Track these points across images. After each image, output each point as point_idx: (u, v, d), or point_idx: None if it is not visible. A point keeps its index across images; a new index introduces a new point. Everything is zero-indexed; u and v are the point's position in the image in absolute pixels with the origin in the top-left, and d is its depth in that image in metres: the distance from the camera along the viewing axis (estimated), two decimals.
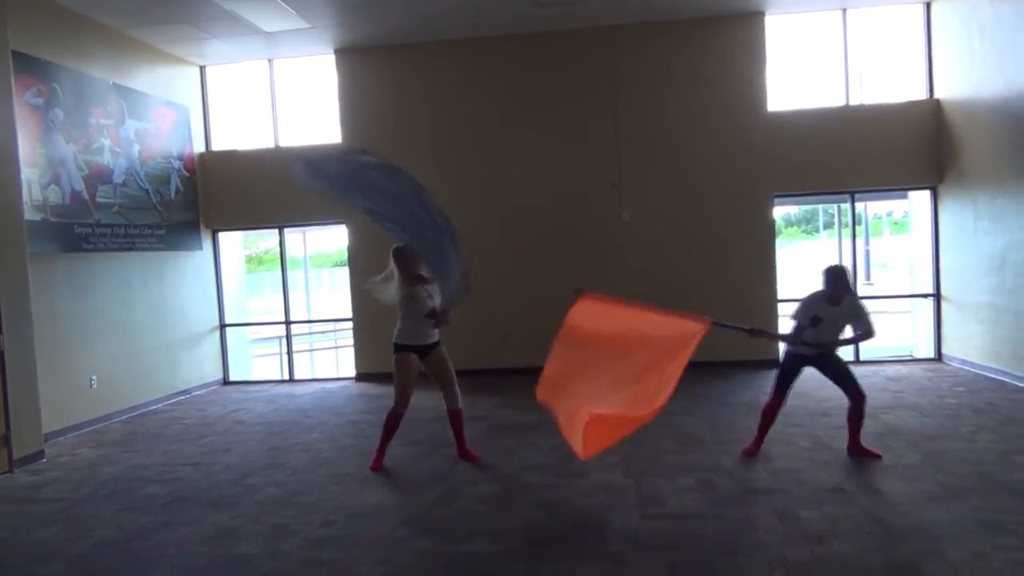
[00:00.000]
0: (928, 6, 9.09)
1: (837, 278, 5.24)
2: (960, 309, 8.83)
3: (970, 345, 8.60)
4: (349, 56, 9.84)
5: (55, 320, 7.44)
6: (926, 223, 9.42)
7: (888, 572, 3.58)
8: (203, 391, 9.75)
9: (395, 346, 5.77)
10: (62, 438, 7.34)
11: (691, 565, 3.78)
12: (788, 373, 5.55)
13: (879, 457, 5.32)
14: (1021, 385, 7.49)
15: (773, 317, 9.38)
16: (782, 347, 5.44)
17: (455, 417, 5.92)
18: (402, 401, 5.75)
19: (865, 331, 5.26)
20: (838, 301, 5.21)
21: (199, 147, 10.12)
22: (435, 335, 5.86)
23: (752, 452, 5.59)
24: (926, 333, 9.53)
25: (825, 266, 5.41)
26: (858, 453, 5.39)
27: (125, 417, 8.26)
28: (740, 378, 8.71)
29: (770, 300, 9.40)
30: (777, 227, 9.61)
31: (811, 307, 5.29)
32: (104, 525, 4.79)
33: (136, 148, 8.75)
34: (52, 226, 7.44)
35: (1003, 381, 7.77)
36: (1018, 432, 5.88)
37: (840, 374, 5.39)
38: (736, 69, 9.31)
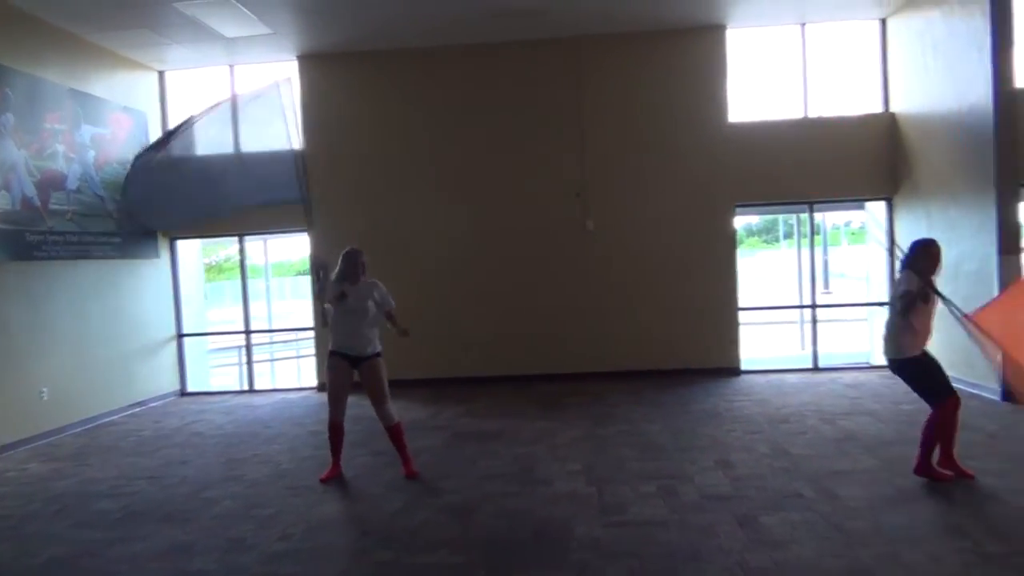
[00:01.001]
0: (884, 22, 9.32)
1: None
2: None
3: None
4: (312, 62, 9.76)
5: (4, 330, 7.21)
6: (882, 233, 9.62)
7: None
8: (160, 403, 9.53)
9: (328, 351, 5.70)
10: (11, 452, 7.10)
11: (653, 572, 3.78)
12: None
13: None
14: (973, 391, 7.66)
15: (734, 326, 9.49)
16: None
17: (393, 433, 5.77)
18: (333, 409, 5.67)
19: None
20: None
21: None
22: (369, 346, 5.62)
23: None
24: (882, 341, 9.69)
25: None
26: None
27: (78, 430, 8.03)
28: (701, 386, 8.78)
29: (731, 308, 9.51)
30: (738, 237, 9.73)
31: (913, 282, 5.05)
32: (54, 542, 4.63)
33: (91, 154, 8.56)
34: (1, 233, 7.22)
35: (956, 388, 7.91)
36: (971, 438, 6.01)
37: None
38: (698, 81, 9.44)
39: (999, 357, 4.96)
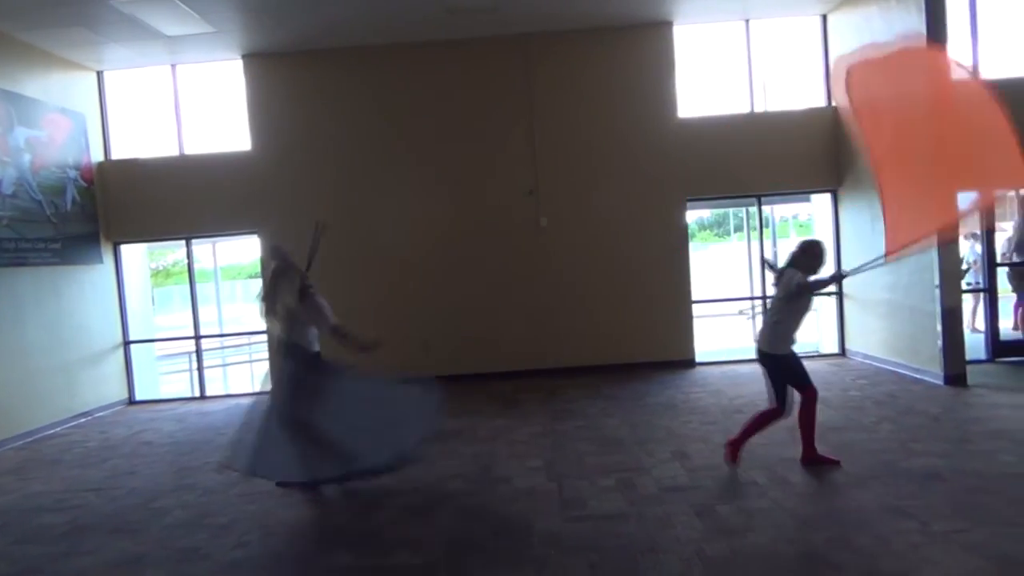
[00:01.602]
0: (825, 18, 9.54)
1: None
2: (861, 306, 9.28)
3: (871, 340, 9.05)
4: (257, 62, 9.56)
5: None
6: (828, 225, 9.86)
7: (799, 561, 3.70)
8: (106, 412, 9.24)
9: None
10: None
11: (612, 564, 3.80)
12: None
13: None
14: (918, 376, 7.91)
15: (688, 317, 9.62)
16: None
17: None
18: None
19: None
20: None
21: (98, 156, 9.63)
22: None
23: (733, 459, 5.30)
24: (831, 329, 9.96)
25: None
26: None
27: (19, 443, 7.73)
28: (657, 378, 8.88)
29: (685, 301, 9.64)
30: (690, 231, 9.87)
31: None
32: None
33: (27, 157, 8.25)
34: None
35: (902, 373, 8.19)
36: (916, 422, 6.21)
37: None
38: (647, 77, 9.53)
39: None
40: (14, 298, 7.94)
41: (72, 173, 9.02)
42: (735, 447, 5.30)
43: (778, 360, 5.11)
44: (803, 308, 5.10)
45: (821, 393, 7.44)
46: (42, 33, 8.21)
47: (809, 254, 5.12)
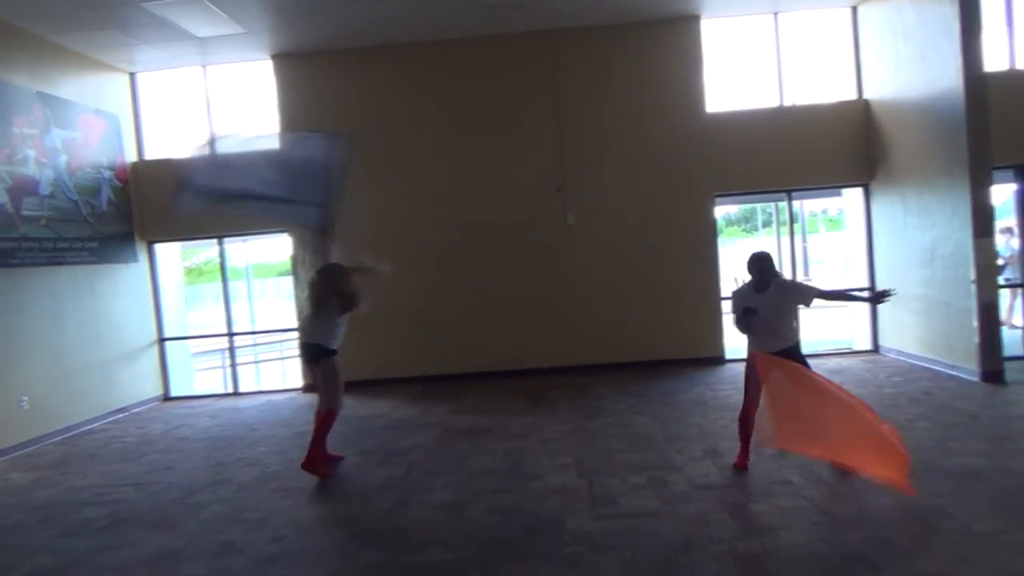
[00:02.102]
0: (855, 9, 9.40)
1: (756, 265, 5.04)
2: (894, 302, 9.02)
3: (905, 336, 8.91)
4: (286, 62, 9.65)
5: None
6: (859, 220, 9.73)
7: (835, 560, 3.66)
8: (143, 408, 9.41)
9: (332, 351, 5.85)
10: None
11: (645, 562, 3.80)
12: (755, 375, 5.14)
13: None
14: (953, 373, 7.78)
15: (717, 315, 9.56)
16: (745, 349, 5.24)
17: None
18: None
19: (829, 293, 5.23)
20: (765, 287, 5.00)
21: (131, 156, 9.80)
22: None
23: (743, 466, 5.19)
24: (864, 326, 9.83)
25: (749, 256, 5.16)
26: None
27: (59, 438, 7.91)
28: (686, 375, 8.84)
29: (714, 298, 9.58)
30: (718, 227, 9.79)
31: (743, 299, 5.05)
32: (38, 552, 4.57)
33: (63, 158, 8.41)
34: None
35: (937, 370, 8.06)
36: (952, 419, 6.11)
37: None
38: (674, 72, 9.46)
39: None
40: (53, 297, 8.12)
41: (107, 173, 9.19)
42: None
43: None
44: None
45: (855, 390, 7.39)
46: (76, 36, 8.37)
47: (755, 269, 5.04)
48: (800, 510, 4.33)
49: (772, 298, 4.97)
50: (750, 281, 5.09)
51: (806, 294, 5.05)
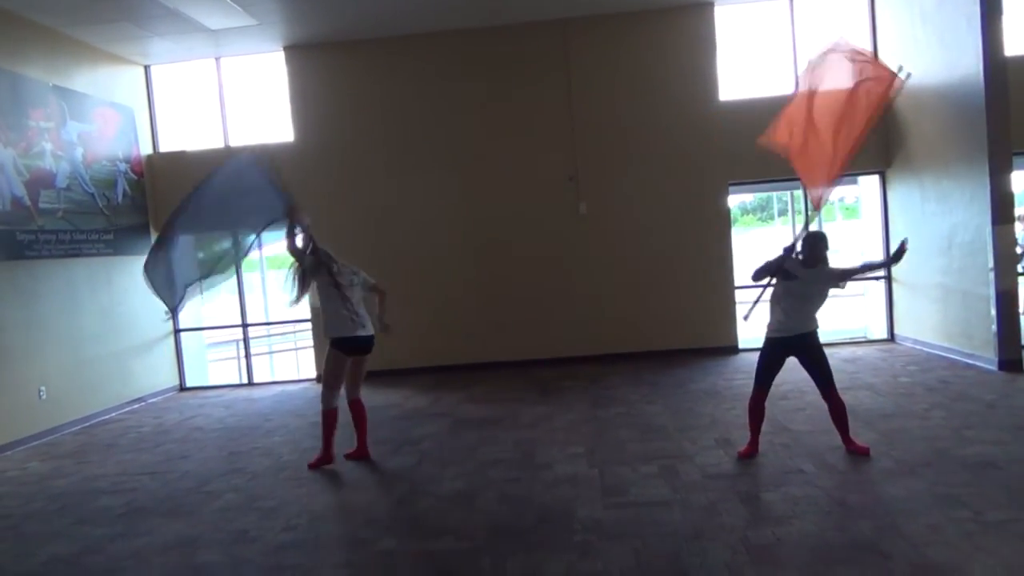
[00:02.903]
0: None
1: (811, 242, 5.06)
2: (911, 290, 9.04)
3: (921, 325, 8.82)
4: (299, 53, 9.67)
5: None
6: (876, 207, 9.62)
7: (848, 549, 3.64)
8: (158, 398, 9.51)
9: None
10: (10, 452, 7.09)
11: (656, 551, 3.79)
12: (770, 363, 5.17)
13: (867, 453, 5.03)
14: (971, 363, 7.70)
15: (731, 304, 9.50)
16: (761, 337, 5.26)
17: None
18: (335, 395, 5.81)
19: (854, 270, 5.28)
20: (813, 265, 5.02)
21: (146, 149, 9.87)
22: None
23: (749, 454, 5.19)
24: (879, 314, 9.74)
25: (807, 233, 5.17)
26: (851, 450, 5.09)
27: (77, 428, 8.02)
28: (699, 365, 8.81)
29: (728, 287, 9.52)
30: (732, 215, 9.72)
31: (788, 263, 5.07)
32: (56, 540, 4.64)
33: (79, 151, 8.49)
34: None
35: (954, 359, 7.98)
36: (969, 408, 6.05)
37: (821, 371, 5.07)
38: (688, 59, 9.38)
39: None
40: (70, 288, 8.21)
41: (122, 166, 9.26)
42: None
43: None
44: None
45: (870, 379, 7.35)
46: (90, 29, 8.42)
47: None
48: (812, 499, 4.30)
49: (814, 276, 5.00)
50: (800, 255, 5.11)
51: (839, 276, 5.09)
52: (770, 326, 5.15)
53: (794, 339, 5.03)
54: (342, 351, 5.67)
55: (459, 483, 5.14)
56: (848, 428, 5.16)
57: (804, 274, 5.00)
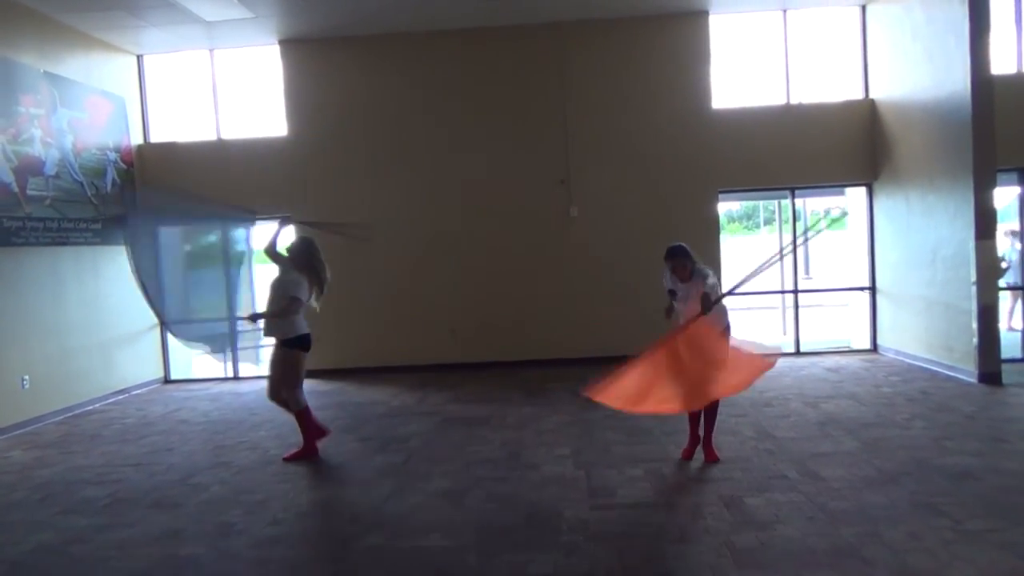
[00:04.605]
0: (864, 8, 9.39)
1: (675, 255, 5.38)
2: (894, 302, 9.17)
3: (904, 336, 8.94)
4: (294, 47, 9.65)
5: None
6: (862, 219, 9.74)
7: (830, 555, 3.70)
8: (143, 390, 9.45)
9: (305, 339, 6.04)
10: None
11: (641, 553, 3.84)
12: None
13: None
14: (951, 375, 7.82)
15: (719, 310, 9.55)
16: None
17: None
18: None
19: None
20: (687, 278, 5.39)
21: (137, 139, 9.80)
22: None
23: (688, 456, 5.41)
24: (863, 325, 9.86)
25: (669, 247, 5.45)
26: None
27: (60, 418, 7.95)
28: None
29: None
30: (719, 223, 9.80)
31: (668, 281, 5.54)
32: (41, 529, 4.61)
33: (69, 139, 8.42)
34: None
35: (935, 371, 8.10)
36: (949, 419, 6.15)
37: None
38: (681, 67, 9.46)
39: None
40: (56, 277, 8.14)
41: (112, 155, 9.20)
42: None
43: None
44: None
45: (852, 389, 7.44)
46: (83, 16, 8.36)
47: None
48: (796, 505, 4.37)
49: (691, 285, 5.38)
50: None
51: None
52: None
53: None
54: (304, 348, 5.98)
55: (446, 481, 5.17)
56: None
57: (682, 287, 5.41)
